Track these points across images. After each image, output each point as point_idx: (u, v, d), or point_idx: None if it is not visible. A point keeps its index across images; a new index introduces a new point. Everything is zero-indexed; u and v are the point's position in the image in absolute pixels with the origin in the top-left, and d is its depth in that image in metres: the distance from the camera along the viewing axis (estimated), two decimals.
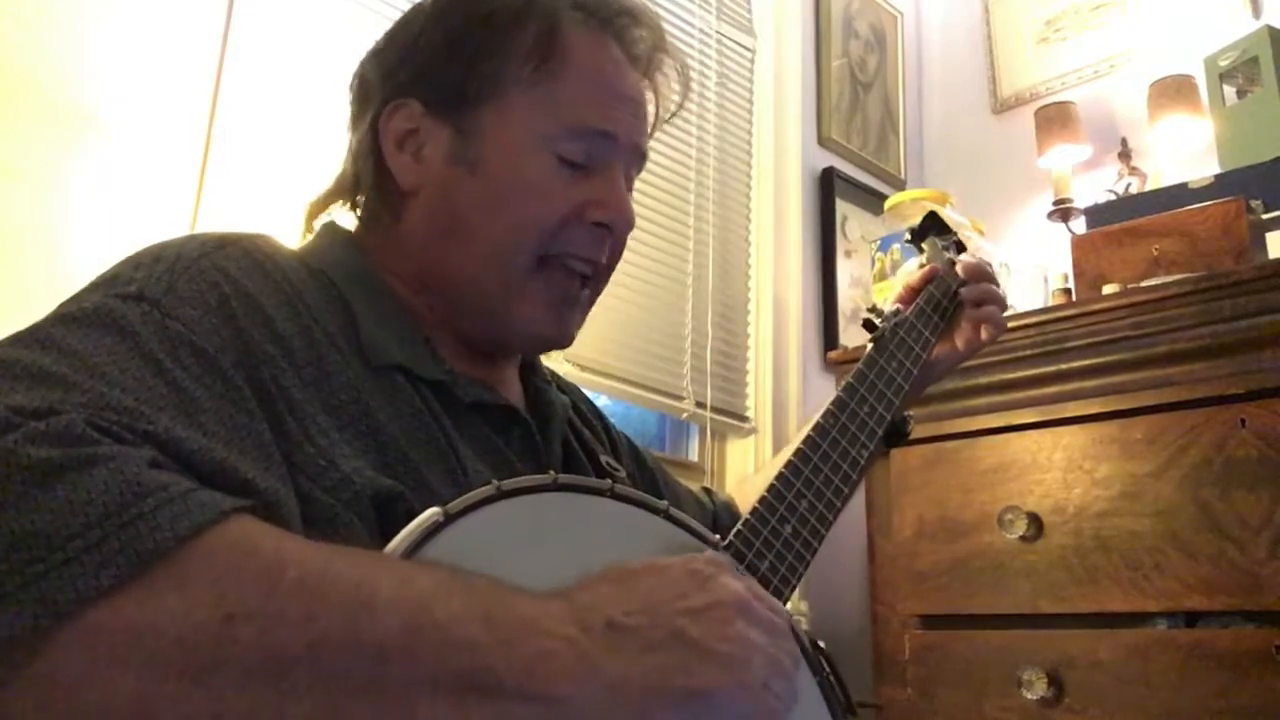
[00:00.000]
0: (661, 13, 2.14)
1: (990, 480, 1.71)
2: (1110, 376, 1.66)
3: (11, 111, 1.26)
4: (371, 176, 0.83)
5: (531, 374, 0.90)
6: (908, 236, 1.23)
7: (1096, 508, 1.59)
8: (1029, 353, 1.75)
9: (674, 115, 0.93)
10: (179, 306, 0.62)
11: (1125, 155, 2.30)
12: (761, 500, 0.78)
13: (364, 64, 0.87)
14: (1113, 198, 2.16)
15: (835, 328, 2.36)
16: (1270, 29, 2.04)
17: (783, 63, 2.47)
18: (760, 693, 0.58)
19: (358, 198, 0.86)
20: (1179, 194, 1.89)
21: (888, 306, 1.06)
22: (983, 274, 1.11)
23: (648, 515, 0.68)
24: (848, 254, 2.45)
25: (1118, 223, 1.88)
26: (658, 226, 2.10)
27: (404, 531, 0.56)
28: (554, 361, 1.62)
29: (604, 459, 0.90)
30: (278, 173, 1.41)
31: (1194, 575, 1.48)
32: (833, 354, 2.29)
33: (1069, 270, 1.97)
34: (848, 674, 0.73)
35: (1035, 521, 1.63)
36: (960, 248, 1.19)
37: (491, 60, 0.80)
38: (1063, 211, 2.28)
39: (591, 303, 0.86)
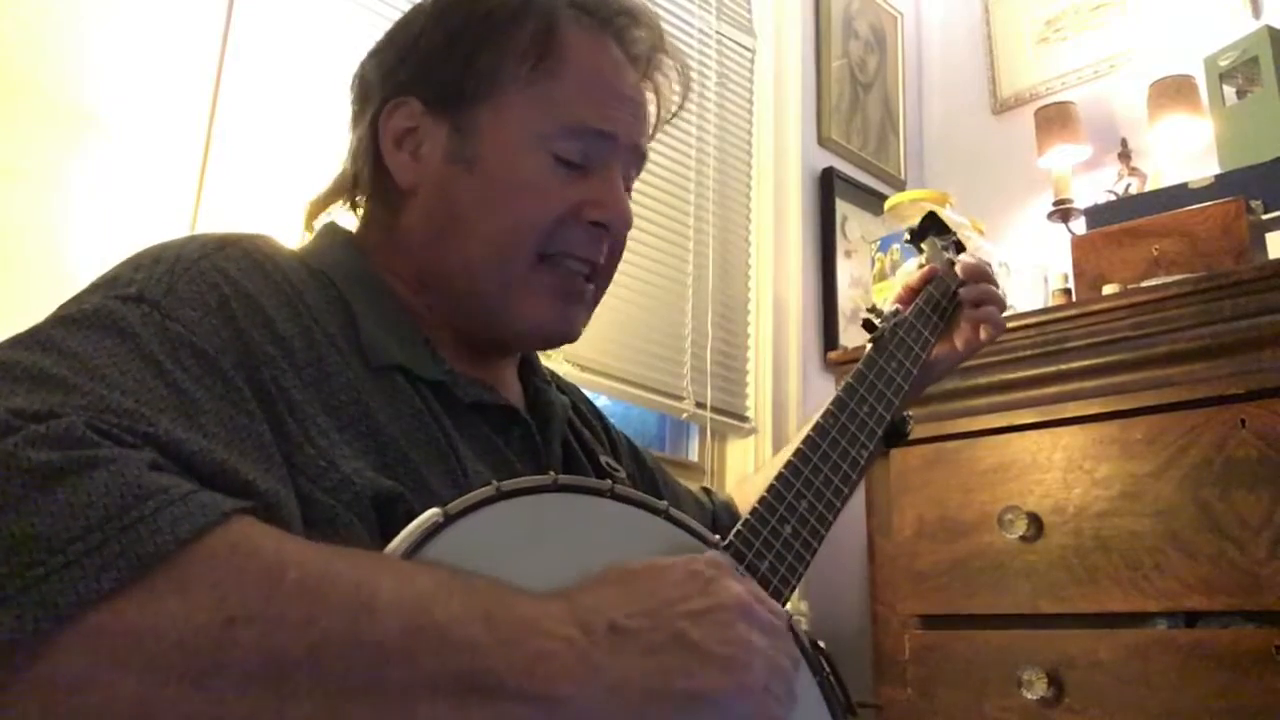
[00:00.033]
0: (661, 13, 2.14)
1: (990, 480, 1.71)
2: (1110, 377, 1.66)
3: (11, 111, 1.26)
4: (371, 175, 0.83)
5: (531, 374, 0.90)
6: (907, 237, 1.23)
7: (1096, 508, 1.59)
8: (1029, 353, 1.75)
9: (674, 116, 0.92)
10: (179, 308, 0.62)
11: (1125, 155, 2.30)
12: (761, 500, 0.78)
13: (365, 63, 0.87)
14: (1113, 198, 2.16)
15: (835, 328, 2.36)
16: (1270, 29, 2.04)
17: (783, 63, 2.47)
18: (761, 695, 0.59)
19: (358, 197, 0.86)
20: (1179, 194, 1.89)
21: (887, 307, 1.06)
22: (982, 274, 1.11)
23: (648, 516, 0.68)
24: (848, 254, 2.45)
25: (1118, 223, 1.88)
26: (658, 226, 2.10)
27: (404, 532, 0.56)
28: (554, 362, 1.62)
29: (604, 459, 0.90)
30: (278, 173, 1.41)
31: (1194, 575, 1.48)
32: (833, 354, 2.30)
33: (1069, 270, 1.97)
34: (848, 674, 0.73)
35: (1035, 521, 1.63)
36: (960, 248, 1.19)
37: (489, 58, 0.80)
38: (1063, 212, 2.28)
39: (597, 300, 0.86)
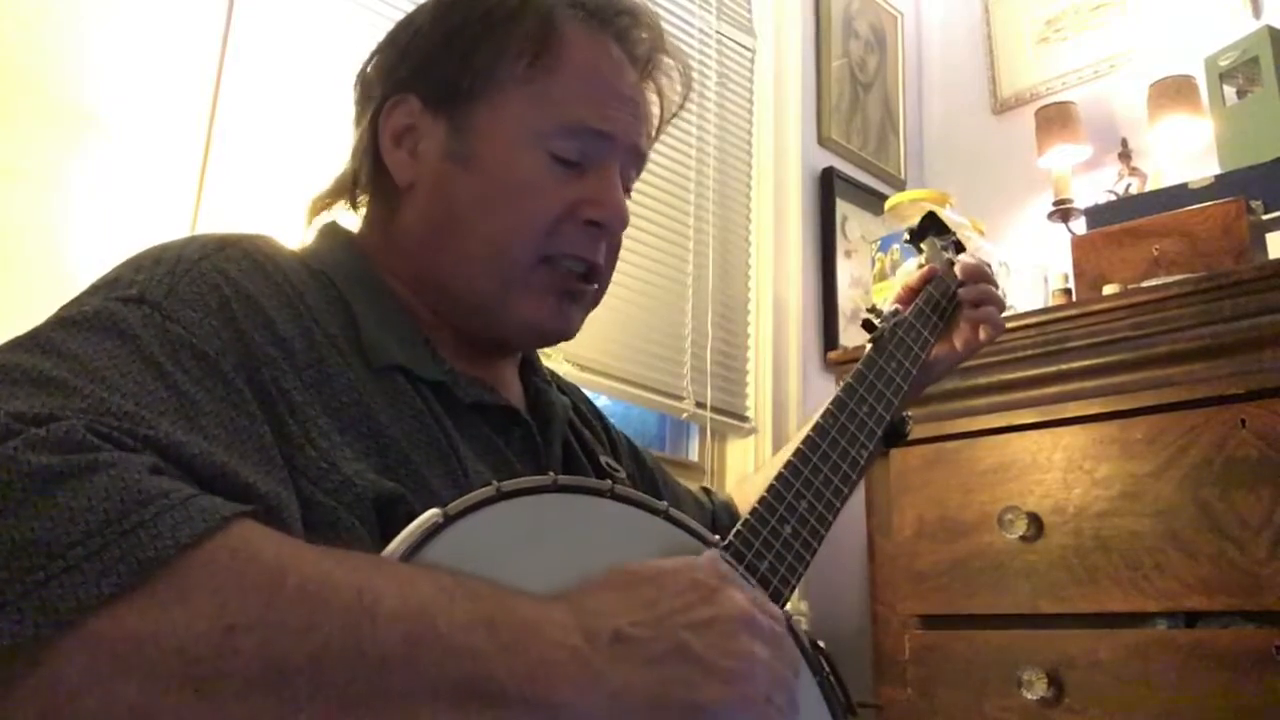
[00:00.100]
0: (661, 13, 2.14)
1: (990, 480, 1.71)
2: (1110, 377, 1.66)
3: (11, 111, 1.26)
4: (370, 174, 0.83)
5: (532, 374, 0.90)
6: (907, 237, 1.23)
7: (1096, 508, 1.59)
8: (1029, 353, 1.75)
9: (674, 116, 0.92)
10: (180, 309, 0.62)
11: (1125, 155, 2.30)
12: (761, 500, 0.78)
13: (367, 61, 0.87)
14: (1113, 198, 2.16)
15: (835, 328, 2.36)
16: (1270, 29, 2.04)
17: (783, 63, 2.47)
18: (763, 707, 0.59)
19: (358, 196, 0.86)
20: (1179, 194, 1.89)
21: (887, 307, 1.06)
22: (981, 275, 1.11)
23: (647, 516, 0.68)
24: (848, 254, 2.45)
25: (1118, 223, 1.88)
26: (658, 226, 2.10)
27: (404, 533, 0.56)
28: (554, 362, 1.62)
29: (604, 460, 0.90)
30: (278, 173, 1.41)
31: (1194, 575, 1.48)
32: (833, 354, 2.29)
33: (1069, 270, 1.97)
34: (848, 674, 0.74)
35: (1035, 521, 1.63)
36: (959, 248, 1.19)
37: (486, 55, 0.80)
38: (1063, 212, 2.28)
39: (597, 300, 0.85)
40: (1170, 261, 1.75)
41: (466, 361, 0.80)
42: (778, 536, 0.76)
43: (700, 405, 2.08)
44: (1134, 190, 2.21)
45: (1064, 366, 1.71)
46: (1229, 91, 2.11)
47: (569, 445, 0.87)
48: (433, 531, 0.57)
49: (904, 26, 2.82)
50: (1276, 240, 1.76)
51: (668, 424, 2.18)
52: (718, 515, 1.07)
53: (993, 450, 1.72)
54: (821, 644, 0.74)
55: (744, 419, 2.19)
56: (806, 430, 0.87)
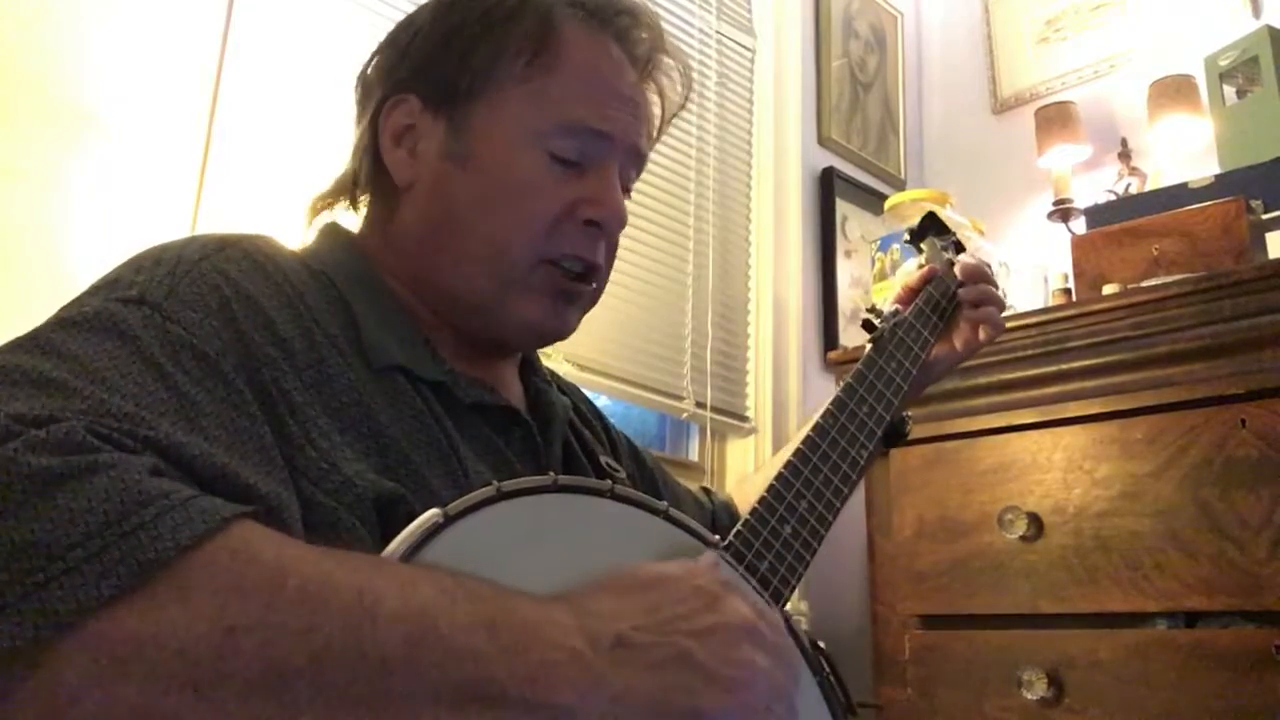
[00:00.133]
0: (661, 13, 2.14)
1: (990, 480, 1.71)
2: (1110, 376, 1.66)
3: (11, 111, 1.26)
4: (370, 173, 0.83)
5: (532, 374, 0.90)
6: (907, 237, 1.23)
7: (1096, 508, 1.59)
8: (1029, 353, 1.75)
9: (674, 116, 0.92)
10: (180, 310, 0.62)
11: (1125, 155, 2.30)
12: (761, 500, 0.78)
13: (368, 62, 0.87)
14: (1113, 198, 2.16)
15: (835, 328, 2.36)
16: (1270, 29, 2.04)
17: (783, 63, 2.47)
18: (763, 716, 0.59)
19: (358, 196, 0.86)
20: (1179, 194, 1.89)
21: (887, 307, 1.06)
22: (981, 275, 1.11)
23: (648, 516, 0.68)
24: (848, 254, 2.45)
25: (1118, 223, 1.88)
26: (658, 226, 2.10)
27: (404, 533, 0.56)
28: (554, 362, 1.62)
29: (604, 460, 0.90)
30: (278, 173, 1.41)
31: (1194, 575, 1.48)
32: (833, 354, 2.29)
33: (1069, 270, 1.97)
34: (848, 674, 0.74)
35: (1035, 521, 1.63)
36: (959, 248, 1.19)
37: (485, 55, 0.80)
38: (1063, 211, 2.28)
39: (594, 299, 0.85)
40: (1170, 261, 1.75)
41: (466, 362, 0.80)
42: (778, 536, 0.76)
43: (700, 405, 2.08)
44: (1134, 190, 2.21)
45: (1064, 366, 1.71)
46: (1229, 91, 2.11)
47: (569, 445, 0.87)
48: (433, 531, 0.57)
49: (904, 26, 2.82)
50: (1276, 240, 1.76)
51: (668, 424, 2.18)
52: (718, 515, 1.07)
53: (993, 450, 1.72)
54: (821, 644, 0.74)
55: (744, 419, 2.19)
56: (806, 430, 0.87)
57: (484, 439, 0.76)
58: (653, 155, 0.91)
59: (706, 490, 1.14)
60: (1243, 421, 1.49)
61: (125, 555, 0.46)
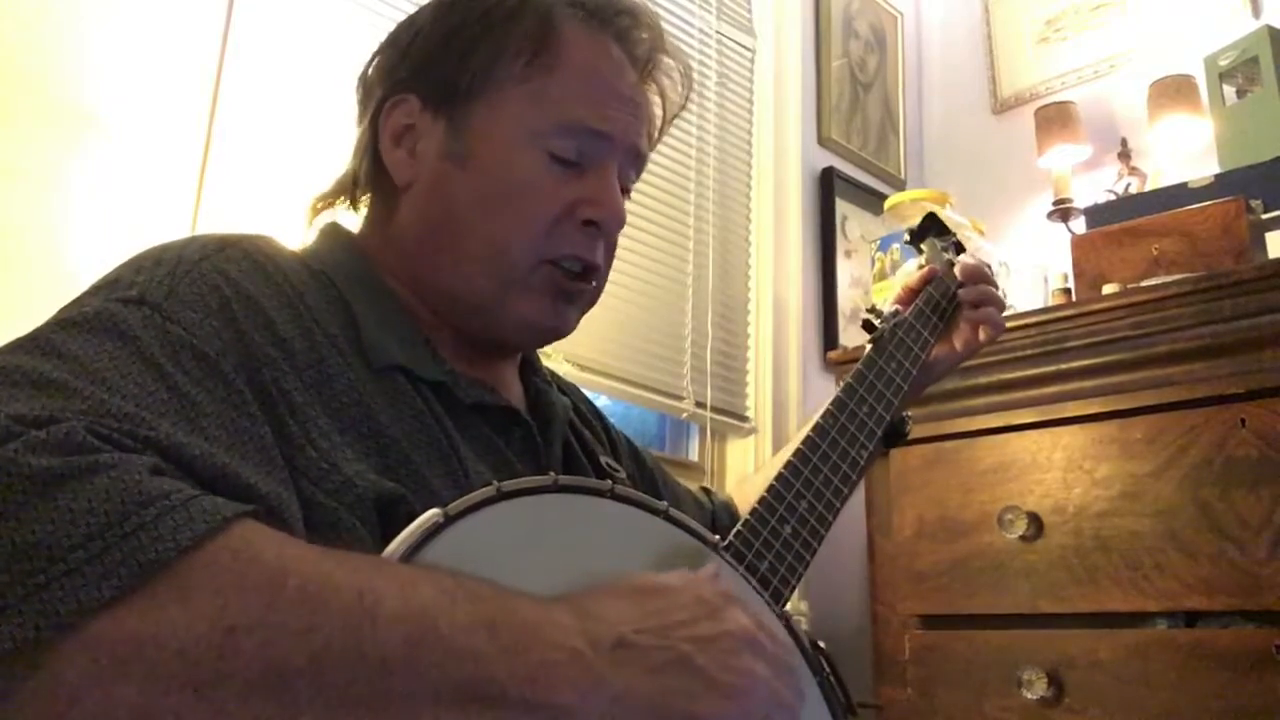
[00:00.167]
0: (661, 13, 2.14)
1: (990, 480, 1.71)
2: (1110, 376, 1.66)
3: (11, 111, 1.26)
4: (370, 173, 0.83)
5: (532, 374, 0.90)
6: (907, 237, 1.23)
7: (1096, 508, 1.59)
8: (1029, 353, 1.75)
9: (675, 117, 0.92)
10: (180, 310, 0.62)
11: (1125, 155, 2.30)
12: (761, 500, 0.78)
13: (369, 62, 0.87)
14: (1113, 198, 2.16)
15: (835, 328, 2.36)
16: (1270, 29, 2.04)
17: (783, 63, 2.47)
18: None
19: (358, 196, 0.86)
20: (1179, 194, 1.89)
21: (887, 307, 1.06)
22: (981, 275, 1.11)
23: (648, 516, 0.68)
24: (848, 254, 2.45)
25: (1118, 223, 1.88)
26: (658, 226, 2.10)
27: (404, 533, 0.56)
28: (554, 362, 1.62)
29: (604, 460, 0.90)
30: (278, 173, 1.41)
31: (1194, 575, 1.48)
32: (833, 354, 2.29)
33: (1069, 270, 1.97)
34: (848, 674, 0.74)
35: (1035, 521, 1.63)
36: (959, 248, 1.19)
37: (485, 54, 0.80)
38: (1063, 211, 2.28)
39: (593, 299, 0.85)
40: (1170, 261, 1.75)
41: (467, 362, 0.80)
42: (778, 537, 0.76)
43: (700, 405, 2.08)
44: (1134, 190, 2.21)
45: (1063, 366, 1.71)
46: (1229, 91, 2.11)
47: (569, 445, 0.87)
48: (433, 531, 0.57)
49: (904, 26, 2.82)
50: (1276, 240, 1.76)
51: (668, 424, 2.18)
52: (718, 515, 1.07)
53: (992, 450, 1.72)
54: (821, 644, 0.74)
55: (744, 419, 2.19)
56: (806, 430, 0.87)
57: (484, 439, 0.76)
58: (653, 155, 0.90)
59: (706, 490, 1.14)
60: (1243, 421, 1.49)
61: (126, 556, 0.46)
